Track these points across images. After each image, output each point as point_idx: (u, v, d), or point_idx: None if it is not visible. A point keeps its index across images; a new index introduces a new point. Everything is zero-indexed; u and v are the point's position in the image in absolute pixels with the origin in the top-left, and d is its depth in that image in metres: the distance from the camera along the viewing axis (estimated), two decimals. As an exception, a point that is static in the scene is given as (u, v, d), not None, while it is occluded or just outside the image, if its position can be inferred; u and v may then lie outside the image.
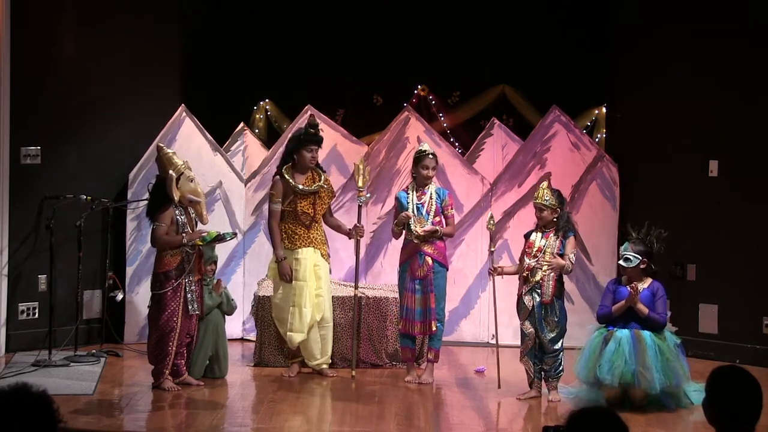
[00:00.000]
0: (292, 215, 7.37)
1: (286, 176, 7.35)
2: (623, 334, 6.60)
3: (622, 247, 6.92)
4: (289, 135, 7.87)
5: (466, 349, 8.57)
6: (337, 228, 7.58)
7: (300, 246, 7.33)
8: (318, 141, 7.41)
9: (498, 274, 7.11)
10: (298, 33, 9.56)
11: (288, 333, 7.34)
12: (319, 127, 7.47)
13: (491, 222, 7.22)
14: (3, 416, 2.84)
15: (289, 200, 7.35)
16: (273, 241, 7.44)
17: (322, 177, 7.43)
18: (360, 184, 7.51)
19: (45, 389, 2.92)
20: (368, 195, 7.73)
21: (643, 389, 6.49)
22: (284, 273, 7.31)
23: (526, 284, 6.92)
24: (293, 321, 7.32)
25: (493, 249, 7.22)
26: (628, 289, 6.66)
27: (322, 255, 7.41)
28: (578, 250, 7.76)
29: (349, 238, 7.56)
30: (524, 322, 6.94)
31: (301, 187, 7.33)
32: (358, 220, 7.52)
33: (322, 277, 7.39)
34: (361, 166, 7.56)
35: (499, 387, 7.10)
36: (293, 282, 7.31)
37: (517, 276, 7.18)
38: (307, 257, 7.33)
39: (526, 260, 6.94)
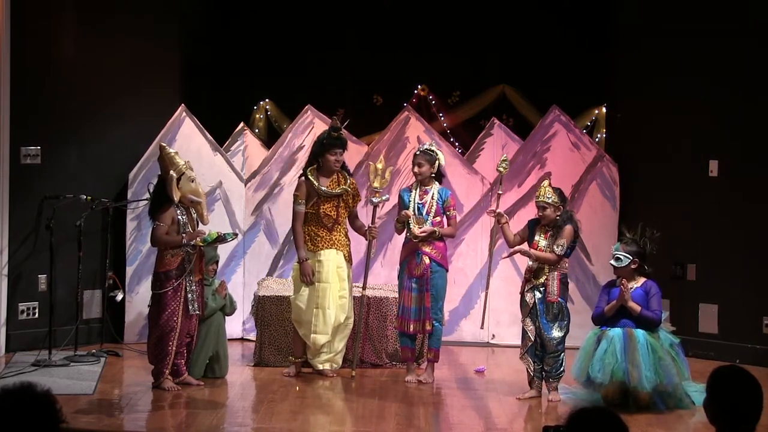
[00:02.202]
0: (314, 217, 7.37)
1: (311, 178, 7.35)
2: (615, 333, 6.61)
3: (613, 247, 6.94)
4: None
5: (466, 349, 8.57)
6: (359, 229, 7.57)
7: (322, 248, 7.34)
8: (342, 144, 7.39)
9: (504, 222, 7.05)
10: (298, 33, 9.56)
11: (312, 335, 7.33)
12: (341, 131, 7.45)
13: (503, 164, 7.20)
14: (7, 415, 2.85)
15: (313, 202, 7.36)
16: (296, 242, 7.44)
17: (348, 180, 7.43)
18: (376, 185, 7.48)
19: (49, 389, 2.93)
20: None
21: (633, 388, 6.50)
22: (305, 273, 7.30)
23: (528, 283, 6.93)
24: (317, 323, 7.31)
25: (500, 192, 7.21)
26: (620, 287, 6.68)
27: (345, 257, 7.41)
28: (578, 249, 7.75)
29: (366, 239, 7.56)
30: (525, 319, 6.94)
31: (324, 189, 7.33)
32: (372, 221, 7.52)
33: (345, 278, 7.39)
34: (380, 166, 7.54)
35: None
36: (317, 284, 7.30)
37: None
38: (330, 259, 7.33)
39: (528, 262, 6.94)
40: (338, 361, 7.49)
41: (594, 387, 6.63)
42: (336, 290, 7.34)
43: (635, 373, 6.46)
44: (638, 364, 6.47)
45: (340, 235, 7.41)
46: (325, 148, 7.36)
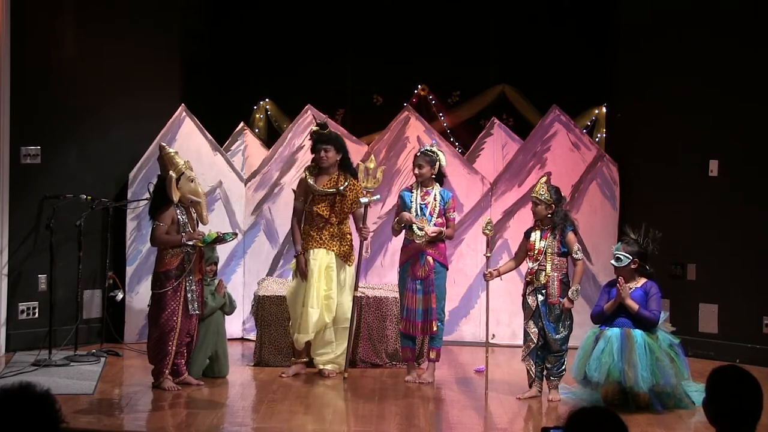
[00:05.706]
0: (309, 216, 7.38)
1: (307, 175, 7.37)
2: (613, 332, 6.62)
3: (614, 247, 6.95)
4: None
5: (466, 349, 8.57)
6: (356, 220, 7.51)
7: (312, 247, 7.34)
8: (322, 140, 7.36)
9: (495, 277, 7.11)
10: (298, 33, 9.57)
11: (295, 334, 7.37)
12: (328, 129, 7.43)
13: (488, 227, 7.14)
14: (7, 415, 2.85)
15: (309, 200, 7.36)
16: (293, 237, 7.47)
17: (348, 180, 7.38)
18: (368, 184, 7.46)
19: (48, 389, 2.93)
20: (376, 197, 7.62)
21: (630, 388, 6.51)
22: (299, 266, 7.33)
23: (530, 286, 6.93)
24: (301, 322, 7.33)
25: (488, 254, 7.18)
26: (618, 285, 6.70)
27: (339, 256, 7.37)
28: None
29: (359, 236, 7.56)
30: (528, 321, 6.94)
31: (316, 187, 7.32)
32: (363, 222, 7.48)
33: (334, 279, 7.36)
34: (371, 166, 7.52)
35: (486, 389, 7.06)
36: (305, 282, 7.30)
37: (514, 271, 7.21)
38: (317, 258, 7.32)
39: (529, 263, 6.95)
40: (340, 363, 7.47)
41: (591, 386, 6.64)
42: (322, 290, 7.33)
43: (631, 374, 6.47)
44: (635, 364, 6.48)
45: (331, 236, 7.37)
46: (312, 145, 7.39)
